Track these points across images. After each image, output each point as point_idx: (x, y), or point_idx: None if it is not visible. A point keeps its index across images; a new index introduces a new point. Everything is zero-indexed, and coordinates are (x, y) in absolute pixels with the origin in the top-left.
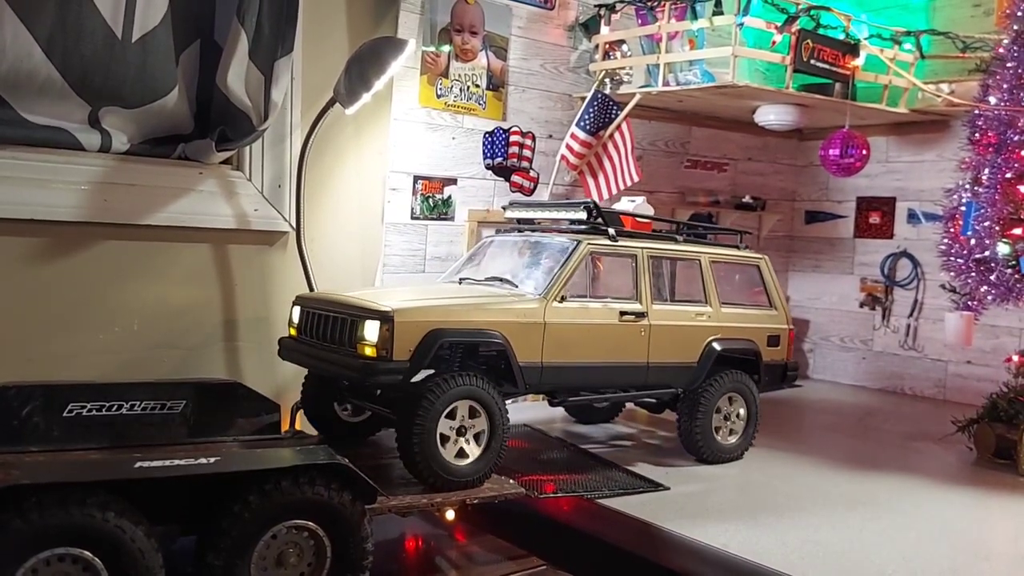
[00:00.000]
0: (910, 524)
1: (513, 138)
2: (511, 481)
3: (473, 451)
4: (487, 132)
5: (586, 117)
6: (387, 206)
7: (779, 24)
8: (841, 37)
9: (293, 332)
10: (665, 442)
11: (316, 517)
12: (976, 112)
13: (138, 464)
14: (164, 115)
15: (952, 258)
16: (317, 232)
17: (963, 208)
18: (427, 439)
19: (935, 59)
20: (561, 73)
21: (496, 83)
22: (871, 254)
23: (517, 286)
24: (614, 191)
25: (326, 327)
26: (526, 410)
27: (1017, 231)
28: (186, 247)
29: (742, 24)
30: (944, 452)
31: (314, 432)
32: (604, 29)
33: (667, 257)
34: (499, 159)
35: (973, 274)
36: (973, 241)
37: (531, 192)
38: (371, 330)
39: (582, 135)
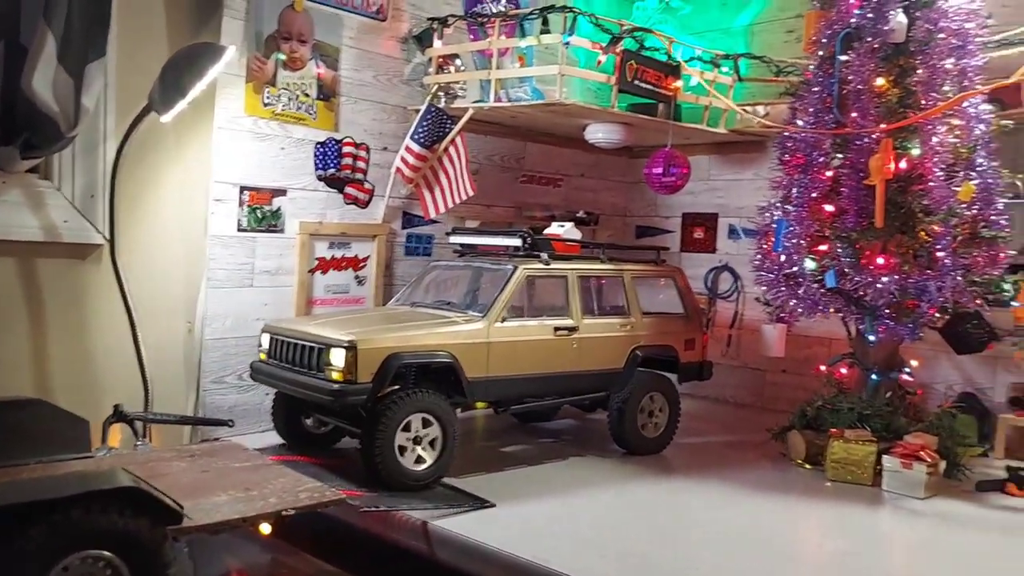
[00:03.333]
0: (725, 531)
1: (346, 149)
2: (332, 489)
3: (430, 456)
4: (318, 143)
5: (420, 130)
6: (211, 218)
7: (604, 44)
8: (664, 59)
9: (263, 356)
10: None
11: (111, 545)
12: (786, 134)
13: None
14: None
15: (765, 272)
16: (135, 245)
17: (774, 225)
18: (387, 449)
19: (752, 82)
20: (395, 85)
21: (327, 93)
22: (696, 268)
23: (463, 309)
24: (450, 205)
25: (294, 353)
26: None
27: (823, 247)
28: None
29: (568, 43)
30: (760, 458)
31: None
32: (437, 43)
33: (594, 276)
34: (331, 170)
35: (783, 288)
36: (783, 257)
37: (366, 205)
38: (337, 357)
39: (416, 148)
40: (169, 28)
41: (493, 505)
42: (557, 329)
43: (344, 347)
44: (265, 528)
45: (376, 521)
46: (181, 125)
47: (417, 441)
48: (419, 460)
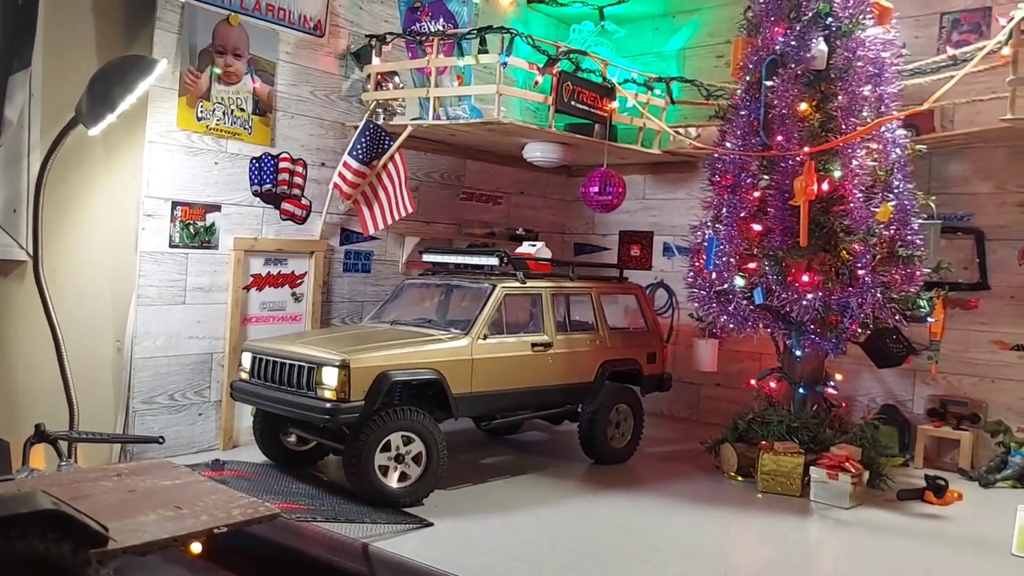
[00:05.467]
0: (660, 545)
1: (283, 164)
2: (267, 504)
3: (414, 472)
4: (254, 158)
5: (358, 146)
6: (142, 233)
7: (540, 65)
8: (599, 81)
9: (245, 376)
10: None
11: (32, 572)
12: (715, 155)
13: None
14: None
15: (697, 289)
16: (61, 261)
17: (706, 243)
18: (367, 469)
19: (684, 104)
20: (333, 101)
21: (263, 108)
22: None
23: (445, 327)
24: (389, 221)
25: (281, 372)
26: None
27: (751, 265)
28: None
29: (506, 63)
30: (694, 471)
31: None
32: (375, 60)
33: (565, 293)
34: (267, 186)
35: (714, 304)
36: (715, 274)
37: (303, 221)
38: (330, 376)
39: (355, 164)
40: (99, 39)
41: (431, 524)
42: (534, 345)
43: (337, 366)
44: (196, 547)
45: (316, 543)
46: (111, 138)
47: (400, 459)
48: (403, 477)
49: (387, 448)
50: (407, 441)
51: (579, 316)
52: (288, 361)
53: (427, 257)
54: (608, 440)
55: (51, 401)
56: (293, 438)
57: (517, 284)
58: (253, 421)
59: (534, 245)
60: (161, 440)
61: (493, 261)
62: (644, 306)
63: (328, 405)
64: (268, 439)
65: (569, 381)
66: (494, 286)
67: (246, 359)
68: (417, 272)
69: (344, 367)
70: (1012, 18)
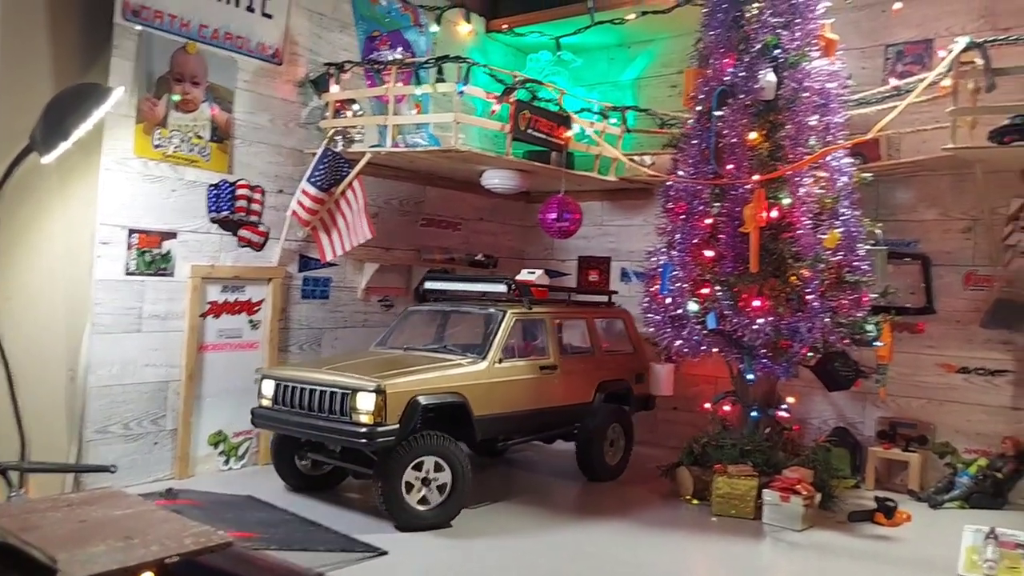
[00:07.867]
0: (619, 570)
1: (240, 191)
2: (220, 532)
3: (442, 493)
4: (212, 185)
5: (317, 173)
6: (97, 261)
7: (498, 94)
8: (556, 109)
9: (267, 403)
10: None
11: None
12: (668, 183)
13: None
14: None
15: (652, 314)
16: (13, 289)
17: (660, 269)
18: (394, 487)
19: (639, 133)
20: (291, 128)
21: (221, 135)
22: None
23: (461, 352)
24: (347, 248)
25: (311, 398)
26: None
27: (704, 291)
28: None
29: (462, 92)
30: (651, 495)
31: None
32: (334, 87)
33: (566, 318)
34: (225, 213)
35: (669, 329)
36: (669, 299)
37: (261, 247)
38: (365, 401)
39: (313, 191)
40: (55, 67)
41: (385, 553)
42: (542, 368)
43: (372, 391)
44: None
45: (268, 572)
46: (66, 166)
47: (426, 482)
48: (423, 501)
49: (416, 471)
50: (436, 465)
51: (577, 340)
52: (318, 387)
53: (429, 284)
54: (603, 457)
55: (1, 431)
56: (306, 462)
57: (524, 310)
58: (273, 447)
59: (533, 272)
60: (113, 469)
61: (501, 288)
62: (631, 329)
63: (364, 430)
64: (285, 463)
65: (572, 402)
66: (504, 312)
67: (268, 386)
68: (376, 298)
69: (380, 392)
70: (951, 51)
